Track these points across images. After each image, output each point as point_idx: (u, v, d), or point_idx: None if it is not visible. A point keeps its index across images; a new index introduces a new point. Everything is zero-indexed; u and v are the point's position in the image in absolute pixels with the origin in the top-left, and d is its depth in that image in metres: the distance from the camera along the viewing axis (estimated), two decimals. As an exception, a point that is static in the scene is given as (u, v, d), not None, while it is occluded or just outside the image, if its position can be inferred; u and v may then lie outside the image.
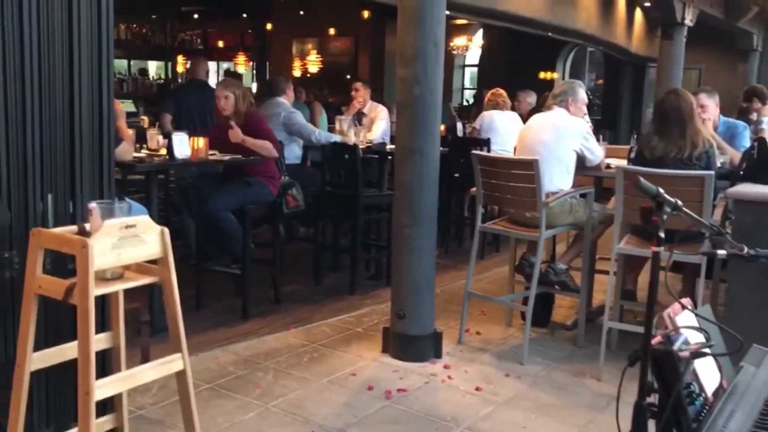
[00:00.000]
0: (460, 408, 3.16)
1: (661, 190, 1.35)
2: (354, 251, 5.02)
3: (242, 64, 17.17)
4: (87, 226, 2.23)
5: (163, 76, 12.52)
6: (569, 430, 2.97)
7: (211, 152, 4.18)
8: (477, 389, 3.36)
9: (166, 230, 2.25)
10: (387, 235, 5.23)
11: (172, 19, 11.91)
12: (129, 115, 8.25)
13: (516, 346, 3.93)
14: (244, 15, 13.11)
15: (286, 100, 5.46)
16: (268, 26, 12.45)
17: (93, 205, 2.19)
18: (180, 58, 12.61)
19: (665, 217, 1.38)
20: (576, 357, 3.84)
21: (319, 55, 16.22)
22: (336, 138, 5.36)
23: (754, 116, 5.30)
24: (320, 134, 5.39)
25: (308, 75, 16.01)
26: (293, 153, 5.38)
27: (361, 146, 5.16)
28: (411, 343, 3.68)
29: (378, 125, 5.95)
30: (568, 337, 4.13)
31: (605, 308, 3.68)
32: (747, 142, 4.29)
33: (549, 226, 3.78)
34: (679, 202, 1.40)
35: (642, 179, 1.38)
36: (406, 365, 3.61)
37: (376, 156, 5.41)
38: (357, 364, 3.62)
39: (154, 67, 13.39)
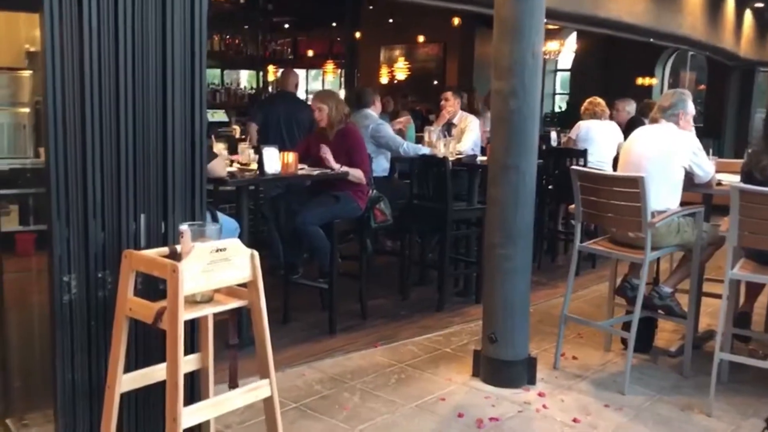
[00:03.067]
0: (556, 442, 2.98)
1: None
2: (442, 266, 4.89)
3: (331, 72, 17.38)
4: (178, 247, 2.21)
5: (254, 85, 12.75)
6: (678, 473, 2.74)
7: (300, 166, 4.16)
8: (574, 421, 3.16)
9: (256, 254, 2.19)
10: (476, 250, 5.07)
11: (264, 29, 12.11)
12: (221, 125, 8.47)
13: (616, 373, 3.70)
14: (334, 24, 13.21)
15: (374, 112, 5.39)
16: (357, 34, 12.47)
17: (184, 227, 2.16)
18: (271, 68, 12.83)
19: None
20: (682, 388, 3.57)
21: (407, 62, 16.20)
22: (425, 150, 5.25)
23: None
24: (408, 146, 5.28)
25: (395, 82, 16.02)
26: (381, 166, 5.30)
27: (450, 158, 5.02)
28: (503, 368, 3.51)
29: (468, 136, 5.80)
30: (672, 365, 3.86)
31: (716, 335, 3.40)
32: None
33: (654, 247, 3.54)
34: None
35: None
36: (498, 391, 3.45)
37: (466, 168, 5.26)
38: (446, 387, 3.49)
39: (245, 77, 13.69)
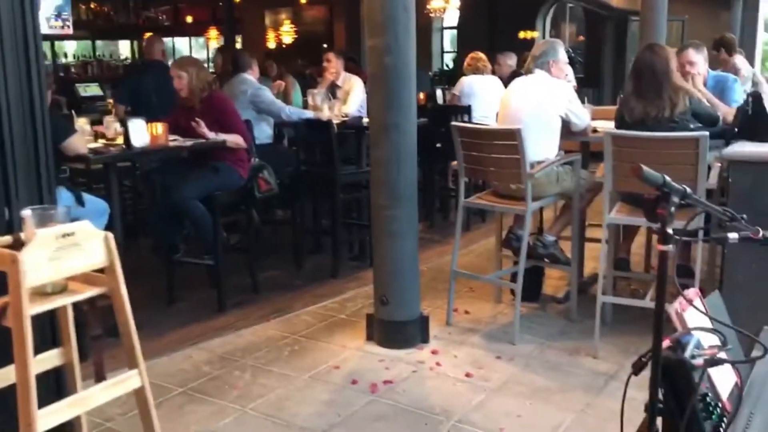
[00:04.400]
0: (450, 398, 2.98)
1: (668, 179, 1.13)
2: (335, 232, 4.80)
3: (214, 39, 16.73)
4: (22, 235, 2.00)
5: (130, 56, 12.11)
6: (566, 416, 2.80)
7: (172, 137, 3.93)
8: (467, 375, 3.18)
9: (111, 236, 2.01)
10: (369, 213, 5.01)
11: (137, -4, 11.49)
12: (95, 99, 7.96)
13: (506, 324, 3.75)
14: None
15: (251, 76, 5.17)
16: (237, -2, 12.02)
17: (26, 212, 1.95)
18: (147, 36, 12.21)
19: (673, 209, 1.17)
20: (570, 333, 3.66)
21: (293, 25, 15.83)
22: (309, 114, 5.10)
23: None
24: (291, 111, 5.12)
25: (283, 46, 15.64)
26: (264, 132, 5.11)
27: (336, 121, 4.91)
28: (396, 329, 3.49)
29: (353, 97, 5.68)
30: (560, 311, 3.96)
31: (598, 280, 3.50)
32: (738, 96, 4.08)
33: (536, 198, 3.58)
34: (688, 190, 1.18)
35: (645, 168, 1.17)
36: (392, 353, 3.42)
37: (353, 131, 5.16)
38: (340, 355, 3.43)
39: (127, 48, 12.95)
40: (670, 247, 1.20)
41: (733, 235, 1.40)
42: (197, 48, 18.30)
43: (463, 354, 3.43)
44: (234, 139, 4.10)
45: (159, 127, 3.72)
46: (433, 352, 3.43)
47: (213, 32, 16.58)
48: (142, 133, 3.61)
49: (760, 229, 1.39)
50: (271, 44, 15.92)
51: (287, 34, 15.84)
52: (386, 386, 3.09)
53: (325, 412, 2.89)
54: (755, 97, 3.27)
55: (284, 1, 15.16)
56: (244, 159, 4.21)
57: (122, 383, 2.07)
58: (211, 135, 4.00)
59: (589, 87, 10.05)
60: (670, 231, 1.17)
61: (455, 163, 3.88)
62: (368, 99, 3.46)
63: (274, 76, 7.29)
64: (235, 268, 4.37)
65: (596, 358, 3.33)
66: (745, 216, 1.30)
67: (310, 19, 15.57)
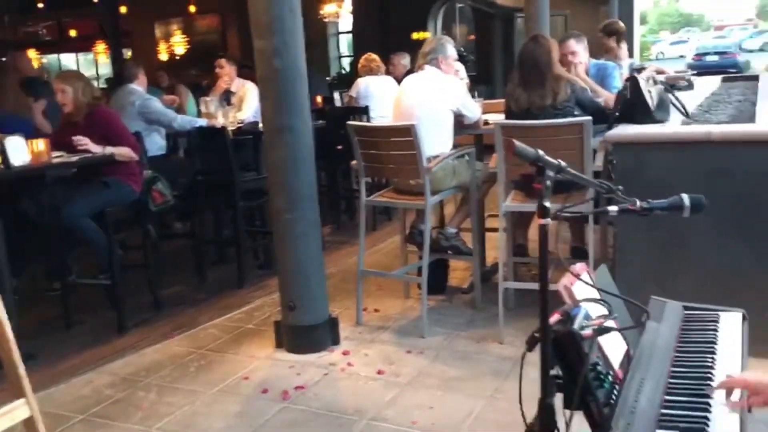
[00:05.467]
0: (362, 397, 2.96)
1: (542, 153, 1.16)
2: (238, 241, 4.70)
3: (103, 53, 16.13)
4: None
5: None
6: (477, 402, 2.84)
7: (57, 154, 3.73)
8: (379, 373, 3.18)
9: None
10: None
11: (12, 9, 10.86)
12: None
13: (415, 318, 3.78)
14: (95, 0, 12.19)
15: (139, 86, 4.99)
16: (123, 9, 11.60)
17: None
18: (32, 53, 11.59)
19: (549, 182, 1.20)
20: (476, 321, 3.73)
21: (185, 36, 15.47)
22: (201, 122, 4.98)
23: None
24: (182, 119, 4.98)
25: (176, 57, 15.26)
26: (155, 144, 4.95)
27: (231, 128, 4.81)
28: (305, 333, 3.44)
29: (248, 103, 5.59)
30: (466, 302, 4.02)
31: (498, 267, 3.58)
32: (618, 83, 4.27)
33: (434, 192, 3.62)
34: (563, 163, 1.22)
35: (518, 143, 1.19)
36: (302, 358, 3.37)
37: (250, 137, 5.07)
38: (249, 365, 3.35)
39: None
40: (548, 221, 1.22)
41: (613, 208, 1.45)
42: (86, 64, 17.55)
43: (374, 352, 3.42)
44: (123, 152, 3.94)
45: (40, 144, 3.52)
46: (345, 353, 3.41)
47: (101, 46, 15.97)
48: (21, 150, 3.40)
49: (637, 200, 1.44)
50: (164, 56, 15.51)
51: (179, 44, 15.48)
52: (298, 392, 3.04)
53: (236, 424, 2.82)
54: (633, 82, 3.43)
55: (174, 12, 14.80)
56: (136, 172, 4.05)
57: (8, 414, 1.94)
58: (97, 149, 3.83)
59: (482, 84, 10.30)
60: (547, 204, 1.20)
61: (354, 162, 3.87)
62: (261, 102, 3.41)
63: (165, 87, 7.08)
64: (135, 286, 4.20)
65: (502, 343, 3.40)
66: (621, 188, 1.35)
67: (202, 28, 15.27)
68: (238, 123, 5.23)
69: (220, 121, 4.98)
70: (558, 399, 1.37)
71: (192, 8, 14.06)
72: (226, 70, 5.73)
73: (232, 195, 4.54)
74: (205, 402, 3.00)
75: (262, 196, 4.91)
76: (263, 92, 3.38)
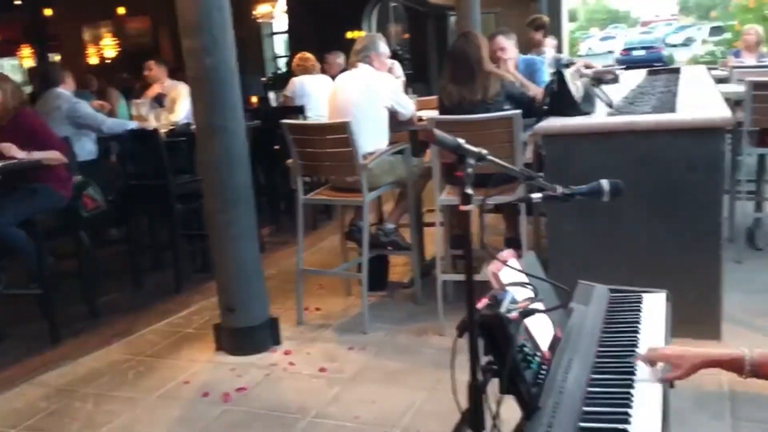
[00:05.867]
0: (305, 395, 2.96)
1: (462, 141, 1.19)
2: (174, 246, 4.63)
3: (28, 58, 15.58)
4: None
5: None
6: (419, 394, 2.87)
7: (-21, 161, 3.60)
8: (321, 370, 3.18)
9: None
10: (209, 222, 4.87)
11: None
12: None
13: (357, 315, 3.80)
14: (19, 1, 11.76)
15: (66, 90, 4.85)
16: (48, 12, 11.24)
17: None
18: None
19: (470, 170, 1.23)
20: (417, 315, 3.77)
21: (116, 39, 15.10)
22: (132, 124, 4.87)
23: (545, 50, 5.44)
24: (113, 123, 4.86)
25: (107, 61, 14.89)
26: (85, 149, 4.81)
27: (163, 130, 4.73)
28: (246, 335, 3.42)
29: (181, 105, 5.50)
30: (407, 296, 4.06)
31: (437, 261, 3.63)
32: (546, 77, 4.38)
33: (371, 188, 3.64)
34: (484, 151, 1.25)
35: (438, 132, 1.22)
36: (243, 360, 3.35)
37: (184, 138, 4.99)
38: (190, 369, 3.30)
39: None
40: (470, 207, 1.26)
41: (536, 195, 1.50)
42: (11, 70, 16.93)
43: (316, 350, 3.43)
44: (51, 156, 3.82)
45: (-40, 151, 3.39)
46: (286, 353, 3.40)
47: (26, 51, 15.44)
48: (-61, 158, 3.27)
49: (558, 187, 1.49)
50: (94, 59, 15.10)
51: (110, 48, 15.09)
52: (239, 394, 3.02)
53: (177, 429, 2.78)
54: (559, 76, 3.52)
55: (103, 15, 14.42)
56: (65, 177, 3.94)
57: (-67, 430, 1.87)
58: (22, 155, 3.71)
59: (418, 82, 10.39)
60: (469, 191, 1.24)
61: (290, 161, 3.86)
62: (192, 102, 3.37)
63: (95, 91, 6.90)
64: (70, 294, 4.11)
65: (443, 335, 3.45)
66: (542, 174, 1.39)
67: (133, 31, 14.92)
68: (171, 125, 5.15)
69: (152, 124, 4.89)
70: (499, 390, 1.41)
71: (121, 10, 13.72)
72: (156, 72, 5.63)
73: (166, 199, 4.46)
74: (145, 409, 2.95)
75: (198, 198, 4.83)
76: (194, 92, 3.34)
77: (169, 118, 5.26)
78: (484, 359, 1.40)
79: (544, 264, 3.37)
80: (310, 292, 4.15)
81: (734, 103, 4.21)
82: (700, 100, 3.71)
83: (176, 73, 5.94)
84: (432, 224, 4.29)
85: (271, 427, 2.74)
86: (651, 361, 1.50)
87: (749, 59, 6.52)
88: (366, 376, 3.10)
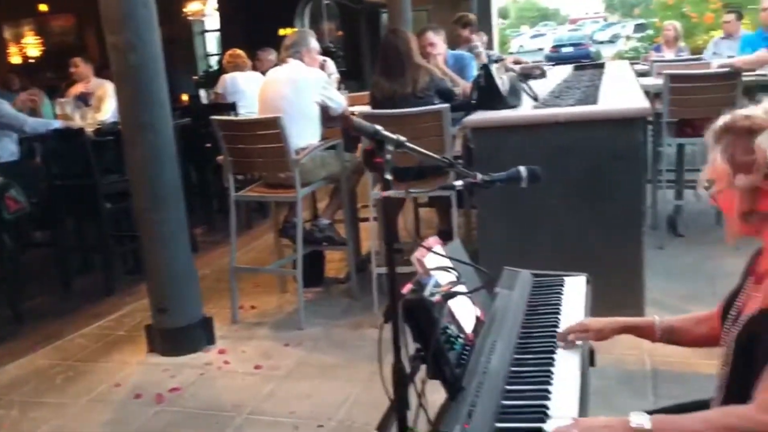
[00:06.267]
0: (240, 393, 2.94)
1: (380, 128, 1.21)
2: (104, 247, 4.51)
3: (-56, 57, 14.88)
4: None
5: None
6: (354, 387, 2.89)
7: None
8: (256, 368, 3.16)
9: None
10: (139, 222, 4.77)
11: None
12: None
13: (293, 312, 3.79)
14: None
15: (-17, 90, 4.67)
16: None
17: None
18: None
19: (389, 156, 1.25)
20: (353, 310, 3.78)
21: (39, 37, 14.58)
22: (56, 124, 4.72)
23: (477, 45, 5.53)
24: (35, 122, 4.69)
25: (30, 60, 14.37)
26: (6, 149, 4.62)
27: (89, 129, 4.60)
28: (179, 335, 3.37)
29: (107, 103, 5.35)
30: (343, 291, 4.07)
31: (371, 255, 3.66)
32: (475, 72, 4.45)
33: (304, 184, 3.64)
34: (402, 138, 1.27)
35: (356, 119, 1.23)
36: (177, 360, 3.30)
37: (111, 137, 4.86)
38: (121, 372, 3.24)
39: None
40: (390, 193, 1.28)
41: (457, 183, 1.53)
42: None
43: (251, 348, 3.40)
44: None
45: None
46: (221, 352, 3.37)
47: (-59, 49, 14.74)
48: None
49: (478, 174, 1.53)
50: (16, 59, 14.54)
51: (32, 46, 14.56)
52: (173, 394, 2.97)
53: (108, 432, 2.72)
54: (486, 71, 3.59)
55: (24, 12, 13.89)
56: (-15, 179, 3.80)
57: None
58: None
59: (351, 79, 10.40)
60: (389, 177, 1.26)
61: (221, 158, 3.82)
62: (118, 99, 3.29)
63: (16, 90, 6.65)
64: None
65: (378, 328, 3.46)
66: (461, 161, 1.43)
67: (57, 29, 14.43)
68: (98, 124, 5.01)
69: (78, 123, 4.75)
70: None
71: (43, 7, 13.25)
72: (82, 69, 5.47)
73: (94, 199, 4.35)
74: (74, 414, 2.88)
75: (127, 198, 4.73)
76: (120, 89, 3.26)
77: (96, 117, 5.11)
78: (415, 347, 1.43)
79: (475, 254, 3.45)
80: (245, 291, 4.12)
81: (654, 95, 4.38)
82: (621, 93, 3.85)
83: (103, 71, 5.78)
84: (367, 219, 4.32)
85: (206, 426, 2.71)
86: (571, 331, 1.58)
87: (669, 54, 6.79)
88: (302, 372, 3.10)
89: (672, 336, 1.59)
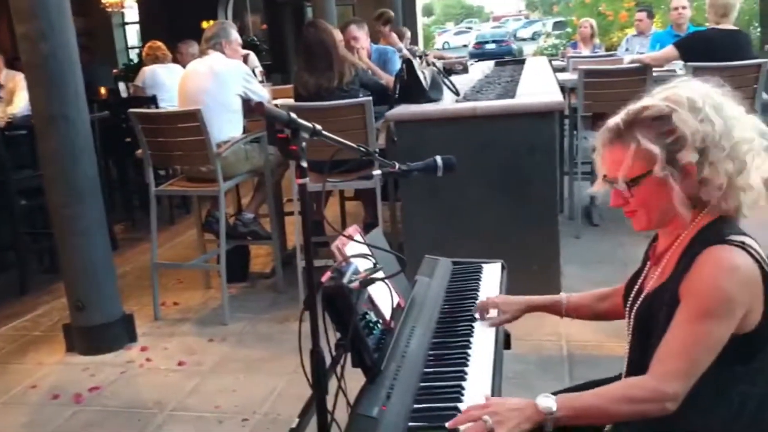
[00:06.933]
0: (163, 390, 2.90)
1: (294, 115, 1.22)
2: (18, 245, 4.34)
3: None
4: None
5: None
6: (280, 380, 2.89)
7: None
8: (180, 364, 3.12)
9: None
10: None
11: None
12: None
13: (217, 307, 3.74)
14: None
15: None
16: None
17: None
18: None
19: (304, 144, 1.26)
20: (279, 303, 3.77)
21: (-59, 26, 13.80)
22: (-35, 118, 4.51)
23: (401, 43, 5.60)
24: (-61, 117, 4.48)
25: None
26: None
27: (0, 123, 4.41)
28: (98, 333, 3.28)
29: (20, 96, 5.12)
30: (268, 286, 4.05)
31: (297, 249, 3.66)
32: (398, 66, 4.50)
33: (227, 177, 3.60)
34: (318, 126, 1.29)
35: (267, 105, 1.24)
36: (96, 359, 3.22)
37: (24, 132, 4.67)
38: (37, 373, 3.13)
39: None
40: (306, 180, 1.30)
41: (376, 172, 1.56)
42: None
43: (174, 344, 3.35)
44: None
45: None
46: (143, 349, 3.30)
47: None
48: None
49: (396, 163, 1.57)
50: None
51: (-65, 35, 13.77)
52: (93, 393, 2.90)
53: (24, 435, 2.63)
54: (408, 65, 3.64)
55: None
56: None
57: None
58: None
59: (276, 72, 10.32)
60: (304, 165, 1.27)
61: (140, 151, 3.74)
62: (29, 90, 3.17)
63: None
64: None
65: (304, 321, 3.47)
66: (378, 150, 1.45)
67: (-37, 18, 13.71)
68: (9, 118, 4.81)
69: (-13, 117, 4.55)
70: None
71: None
72: (-11, 61, 5.23)
73: (7, 195, 4.18)
74: (-15, 418, 2.77)
75: (42, 194, 4.56)
76: (31, 79, 3.15)
77: (7, 111, 4.90)
78: (338, 336, 1.45)
79: (401, 247, 3.51)
80: (168, 287, 4.05)
81: (570, 90, 4.54)
82: (538, 88, 3.98)
83: (15, 63, 5.54)
84: (292, 213, 4.31)
85: (128, 425, 2.66)
86: (484, 309, 1.67)
87: (585, 50, 7.04)
88: (226, 367, 3.08)
89: (578, 311, 1.69)
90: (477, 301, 1.76)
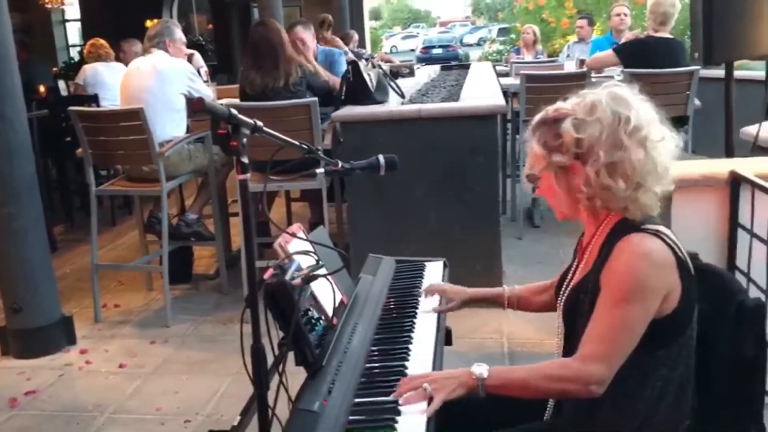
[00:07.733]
0: (103, 392, 2.84)
1: (234, 111, 1.23)
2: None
3: None
4: None
5: None
6: (223, 381, 2.87)
7: None
8: (121, 366, 3.07)
9: None
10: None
11: None
12: None
13: (160, 309, 3.69)
14: None
15: None
16: None
17: None
18: None
19: (245, 140, 1.27)
20: (223, 305, 3.74)
21: None
22: None
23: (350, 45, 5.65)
24: None
25: None
26: None
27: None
28: (35, 336, 3.20)
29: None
30: (212, 287, 4.01)
31: (241, 249, 3.63)
32: (344, 68, 4.52)
33: (170, 177, 3.56)
34: (260, 123, 1.30)
35: (206, 101, 1.24)
36: (33, 362, 3.14)
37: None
38: (-31, 378, 3.03)
39: None
40: (248, 176, 1.31)
41: (319, 170, 1.58)
42: None
43: (115, 347, 3.29)
44: None
45: None
46: (82, 352, 3.24)
47: None
48: None
49: (339, 162, 1.59)
50: None
51: None
52: (29, 397, 2.83)
53: (-45, 442, 2.55)
54: (354, 67, 3.67)
55: None
56: None
57: None
58: None
59: (222, 72, 10.21)
60: (245, 161, 1.28)
61: (80, 150, 3.66)
62: None
63: None
64: None
65: (248, 322, 3.45)
66: (320, 147, 1.47)
67: None
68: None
69: None
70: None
71: None
72: None
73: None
74: None
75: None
76: (-36, 76, 3.05)
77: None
78: (281, 335, 1.46)
79: (347, 247, 3.52)
80: (109, 289, 3.98)
81: (513, 94, 4.64)
82: (482, 92, 4.05)
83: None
84: (237, 214, 4.28)
85: (65, 428, 2.60)
86: (431, 293, 1.76)
87: (528, 56, 7.19)
88: (168, 369, 3.04)
89: (519, 304, 1.75)
90: (419, 297, 1.79)
